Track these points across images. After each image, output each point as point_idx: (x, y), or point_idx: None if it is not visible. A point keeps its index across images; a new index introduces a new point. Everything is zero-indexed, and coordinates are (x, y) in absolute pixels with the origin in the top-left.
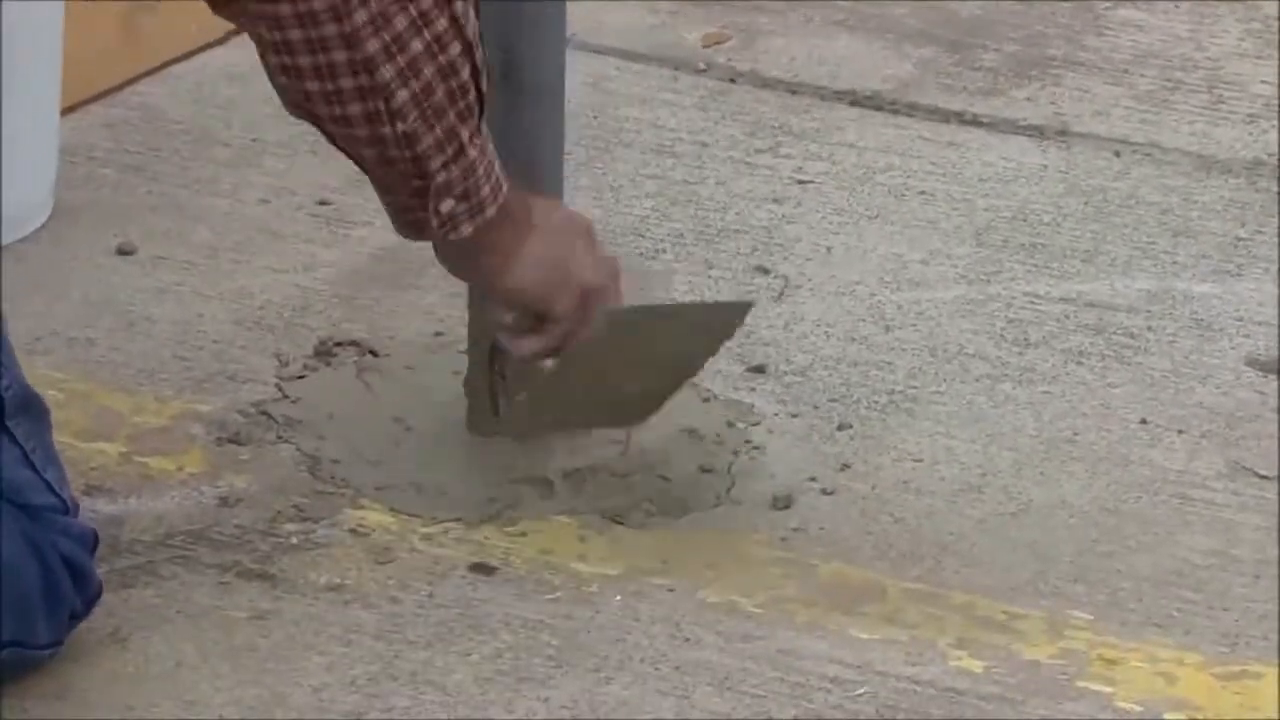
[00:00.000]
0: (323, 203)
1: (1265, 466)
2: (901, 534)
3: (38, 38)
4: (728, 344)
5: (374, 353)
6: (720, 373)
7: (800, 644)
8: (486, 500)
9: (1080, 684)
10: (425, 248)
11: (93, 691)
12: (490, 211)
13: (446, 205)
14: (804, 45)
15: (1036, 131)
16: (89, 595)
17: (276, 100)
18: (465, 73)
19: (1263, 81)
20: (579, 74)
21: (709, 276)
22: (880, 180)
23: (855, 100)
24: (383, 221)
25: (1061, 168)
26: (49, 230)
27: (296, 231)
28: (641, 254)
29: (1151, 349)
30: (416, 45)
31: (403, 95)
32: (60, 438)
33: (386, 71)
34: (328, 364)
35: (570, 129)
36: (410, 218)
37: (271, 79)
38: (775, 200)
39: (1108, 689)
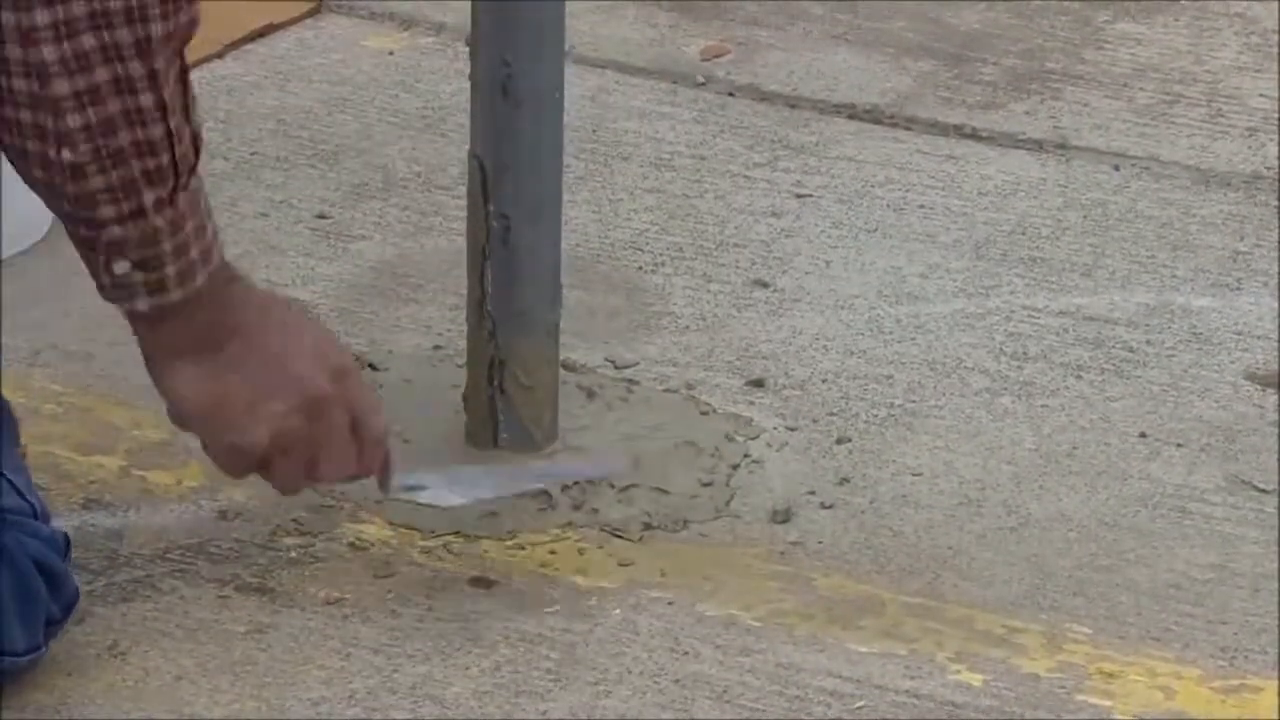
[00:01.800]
0: (321, 216)
1: (1264, 480)
2: (900, 548)
3: None
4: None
5: (373, 366)
6: (719, 386)
7: (799, 657)
8: (486, 514)
9: (1079, 697)
10: (426, 260)
11: (91, 705)
12: (174, 294)
13: (121, 266)
14: (803, 59)
15: (1035, 145)
16: (66, 600)
17: (275, 114)
18: (156, 130)
19: (1261, 95)
20: (577, 87)
21: (708, 290)
22: (879, 194)
23: (854, 114)
24: (381, 235)
25: (1060, 181)
26: (48, 244)
27: (295, 245)
28: (640, 268)
29: (1150, 363)
30: (102, 74)
31: (75, 120)
32: (59, 451)
33: (61, 86)
34: None
35: (569, 142)
36: (95, 279)
37: None
38: (774, 214)
39: (1106, 702)
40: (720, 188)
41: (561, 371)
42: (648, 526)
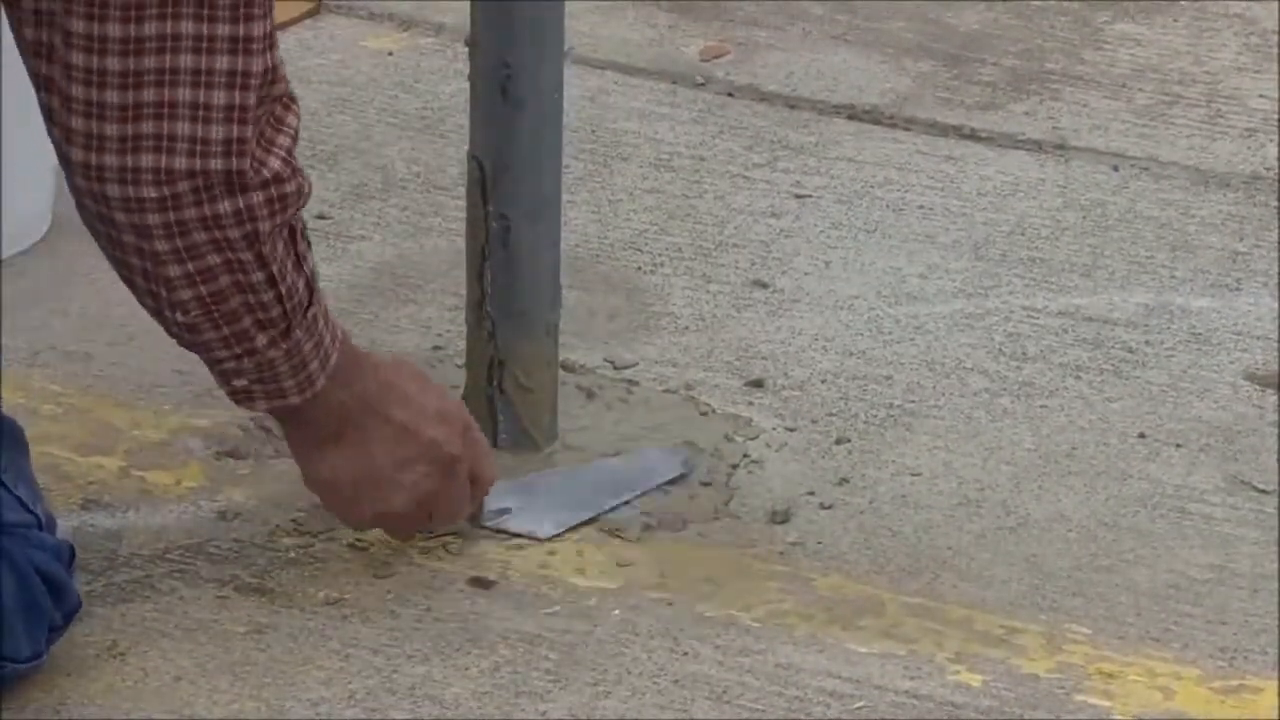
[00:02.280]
0: (321, 217)
1: (1263, 481)
2: (900, 548)
3: None
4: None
5: None
6: (718, 387)
7: (798, 658)
8: (485, 514)
9: (1078, 698)
10: (426, 261)
11: (90, 705)
12: (294, 400)
13: (240, 382)
14: (802, 59)
15: (1035, 146)
16: (68, 608)
17: None
18: (268, 294)
19: (1261, 96)
20: (577, 88)
21: (707, 291)
22: (878, 194)
23: (853, 114)
24: (381, 235)
25: (1060, 182)
26: (47, 244)
27: None
28: (640, 268)
29: (1150, 363)
30: (214, 259)
31: (187, 293)
32: (58, 452)
33: (173, 270)
34: None
35: (568, 143)
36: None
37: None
38: (773, 214)
39: (1106, 703)
40: (719, 188)
41: (561, 372)
42: (647, 527)
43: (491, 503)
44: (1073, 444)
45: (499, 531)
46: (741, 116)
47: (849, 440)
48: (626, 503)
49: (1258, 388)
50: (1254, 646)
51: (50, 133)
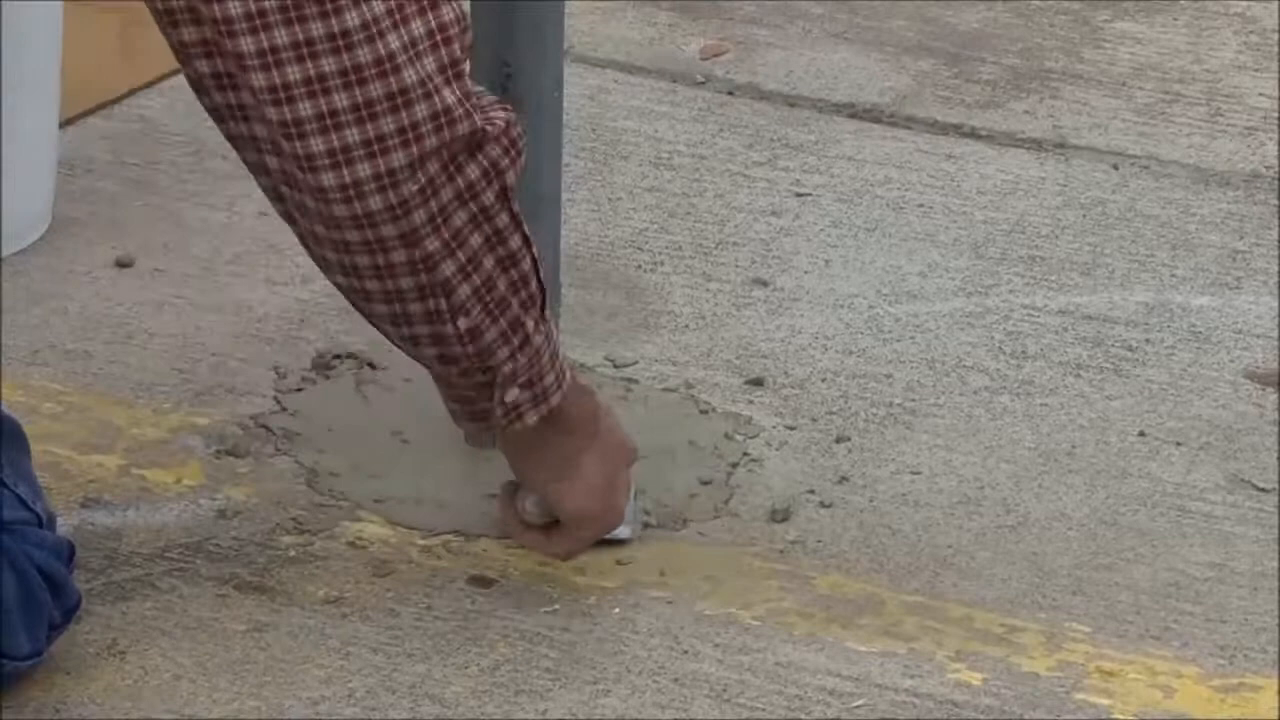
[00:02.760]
0: None
1: (1263, 479)
2: (900, 546)
3: (36, 51)
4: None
5: (372, 365)
6: (718, 385)
7: (798, 656)
8: (484, 513)
9: (1078, 696)
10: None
11: (90, 704)
12: (555, 399)
13: (512, 395)
14: (802, 58)
15: (1035, 144)
16: (68, 606)
17: None
18: (526, 263)
19: (1261, 94)
20: (577, 86)
21: (707, 289)
22: (878, 193)
23: (853, 113)
24: None
25: (1060, 180)
26: (47, 243)
27: (295, 244)
28: (640, 266)
29: (1150, 361)
30: (476, 239)
31: (464, 290)
32: (58, 450)
33: (447, 268)
34: (326, 377)
35: (568, 141)
36: (472, 409)
37: (328, 274)
38: (773, 213)
39: (1105, 701)
40: (719, 186)
41: None
42: (646, 525)
43: None
44: (1073, 442)
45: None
46: (741, 115)
47: (849, 439)
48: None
49: (1258, 386)
50: (1254, 645)
51: (280, 192)
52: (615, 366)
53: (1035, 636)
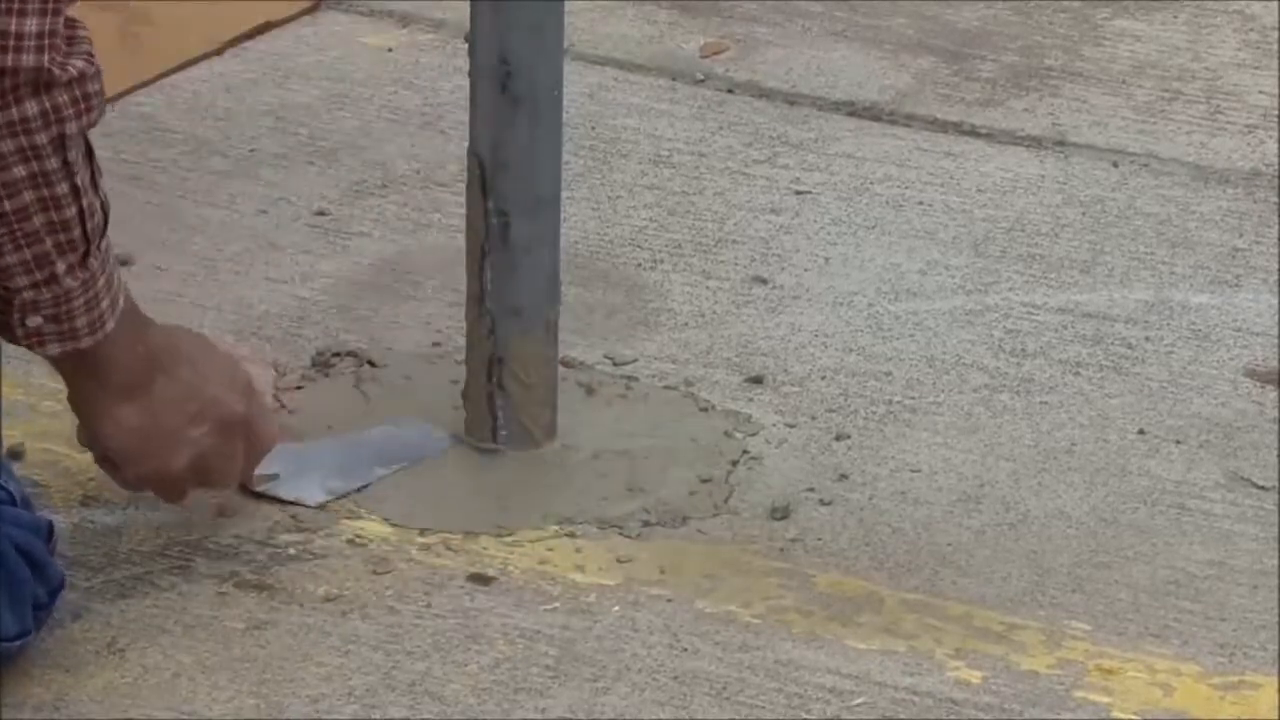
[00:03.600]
0: (320, 213)
1: (1263, 477)
2: (899, 544)
3: None
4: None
5: (372, 363)
6: (718, 383)
7: (798, 654)
8: (483, 510)
9: (1078, 694)
10: (425, 257)
11: (89, 702)
12: (84, 342)
13: (34, 321)
14: (802, 56)
15: (1034, 142)
16: (52, 585)
17: (273, 111)
18: (70, 211)
19: (1260, 92)
20: (576, 84)
21: (707, 287)
22: (878, 190)
23: (853, 110)
24: (380, 232)
25: (1059, 178)
26: None
27: (294, 242)
28: (639, 264)
29: (1149, 359)
30: (20, 171)
31: None
32: (57, 447)
33: None
34: (326, 375)
35: (568, 139)
36: (2, 319)
37: None
38: (773, 211)
39: (1105, 699)
40: (719, 184)
41: (560, 368)
42: (646, 524)
43: (262, 468)
44: (1072, 440)
45: (269, 497)
46: (741, 113)
47: (849, 436)
48: (393, 473)
49: (1257, 384)
50: (1254, 643)
51: None
52: (615, 364)
53: (1035, 635)
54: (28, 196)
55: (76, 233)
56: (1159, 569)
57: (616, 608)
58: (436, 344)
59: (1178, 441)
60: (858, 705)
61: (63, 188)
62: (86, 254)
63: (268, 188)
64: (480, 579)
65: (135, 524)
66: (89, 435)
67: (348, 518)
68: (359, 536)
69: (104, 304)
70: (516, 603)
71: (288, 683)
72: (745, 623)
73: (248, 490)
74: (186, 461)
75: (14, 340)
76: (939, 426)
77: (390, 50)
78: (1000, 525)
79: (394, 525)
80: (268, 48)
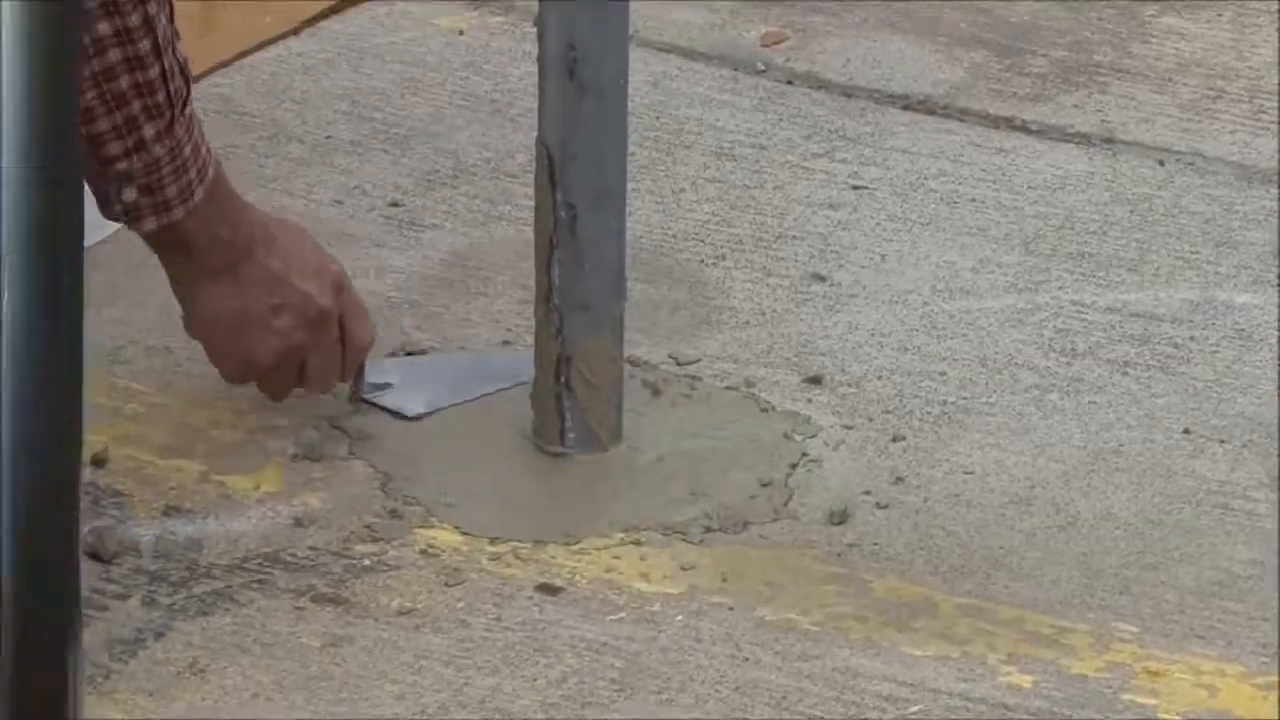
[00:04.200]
0: (394, 204)
1: None
2: (953, 548)
3: None
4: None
5: None
6: (778, 384)
7: (855, 662)
8: (552, 517)
9: (1125, 697)
10: (495, 251)
11: None
12: (176, 213)
13: (129, 194)
14: (859, 46)
15: (1083, 139)
16: None
17: (349, 95)
18: (154, 71)
19: None
20: (640, 73)
21: (767, 284)
22: (932, 186)
23: (908, 104)
24: (451, 224)
25: (1108, 176)
26: (127, 234)
27: (368, 234)
28: (702, 260)
29: (1194, 359)
30: (104, 27)
31: (82, 70)
32: (140, 454)
33: None
34: None
35: (632, 130)
36: (99, 195)
37: None
38: (831, 206)
39: (1152, 701)
40: (779, 178)
41: (625, 367)
42: (709, 529)
43: (372, 376)
44: (1120, 441)
45: (372, 405)
46: (800, 105)
47: (904, 438)
48: (496, 392)
49: None
50: None
51: None
52: (679, 364)
53: (1084, 638)
54: (114, 55)
55: (161, 96)
56: (1204, 570)
57: (680, 617)
58: (507, 342)
59: (1222, 441)
60: (913, 714)
61: (145, 45)
62: (172, 120)
63: (344, 176)
64: (548, 589)
65: (215, 535)
66: (186, 321)
67: (421, 526)
68: (431, 546)
69: (191, 173)
70: (583, 613)
71: (362, 701)
72: (805, 630)
73: (354, 399)
74: (274, 353)
75: (114, 217)
76: (991, 427)
77: (461, 34)
78: (1050, 528)
79: (465, 534)
80: (342, 28)
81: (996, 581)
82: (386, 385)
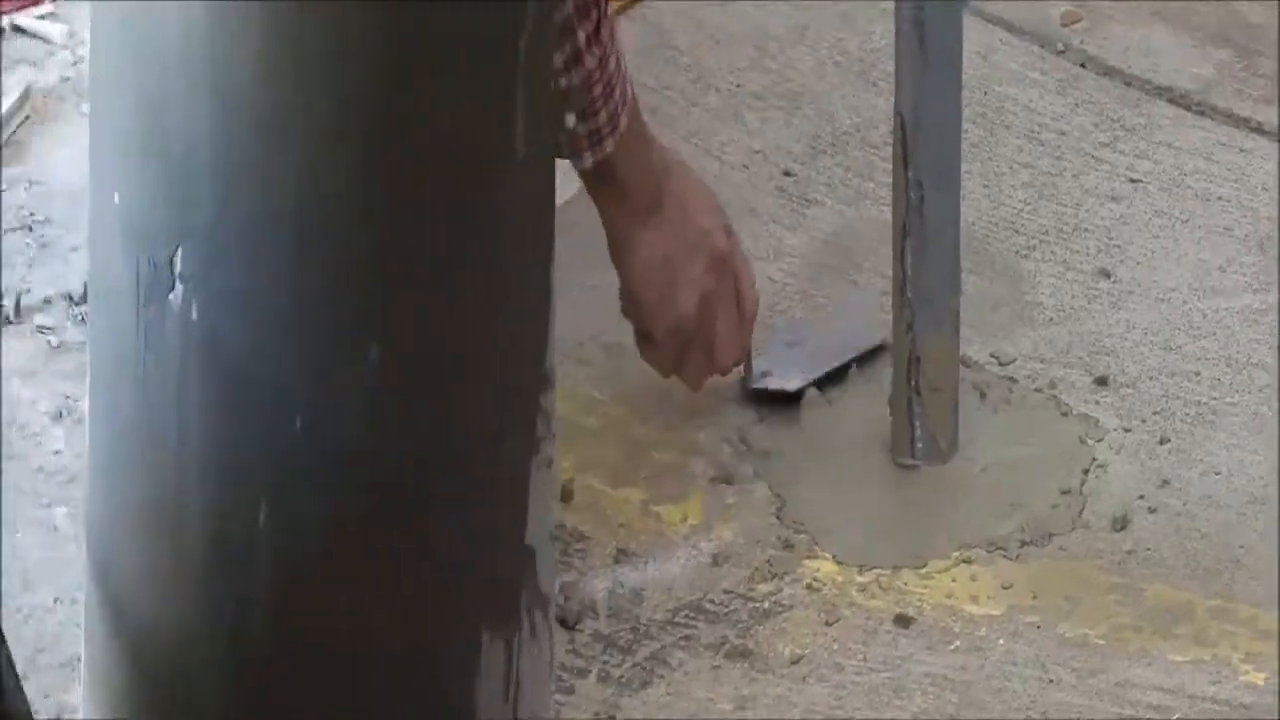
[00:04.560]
0: (787, 173)
1: None
2: (1206, 550)
3: None
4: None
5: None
6: (1074, 385)
7: (1132, 673)
8: (907, 540)
9: None
10: (865, 232)
11: None
12: (608, 144)
13: (569, 119)
14: (1135, 34)
15: None
16: None
17: (752, 40)
18: None
19: None
20: (968, 43)
21: (1065, 279)
22: (1190, 183)
23: (1171, 97)
24: (831, 200)
25: None
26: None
27: (767, 208)
28: (1018, 251)
29: None
30: None
31: None
32: (597, 484)
33: None
34: None
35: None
36: None
37: None
38: (1114, 198)
39: None
40: (1075, 166)
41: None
42: (1023, 543)
43: (758, 366)
44: None
45: (761, 390)
46: (1090, 91)
47: (1169, 440)
48: (857, 357)
49: None
50: None
51: None
52: (1000, 364)
53: None
54: None
55: None
56: None
57: (1001, 641)
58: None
59: None
60: None
61: None
62: (598, 24)
63: (748, 137)
64: (903, 620)
65: (653, 583)
66: (624, 282)
67: (807, 558)
68: (814, 581)
69: (616, 95)
70: (929, 645)
71: None
72: (1094, 645)
73: (748, 385)
74: (694, 304)
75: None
76: (1234, 427)
77: None
78: None
79: (839, 564)
80: None
81: (1238, 581)
82: (766, 373)
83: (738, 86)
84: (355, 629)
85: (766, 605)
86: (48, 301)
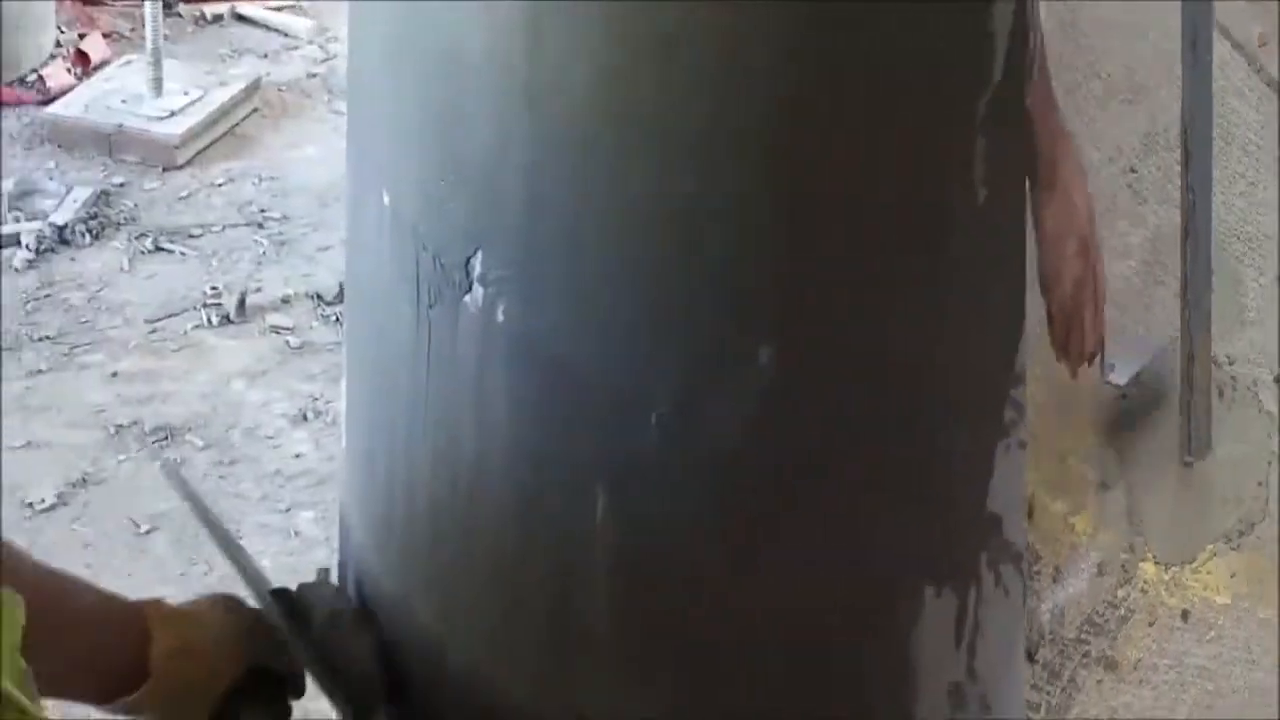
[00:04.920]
0: (1131, 170)
1: None
2: None
3: None
4: None
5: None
6: (1266, 384)
7: None
8: (1191, 534)
9: None
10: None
11: None
12: None
13: None
14: None
15: None
16: None
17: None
18: None
19: None
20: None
21: (1263, 284)
22: None
23: None
24: (1150, 206)
25: None
26: None
27: (1117, 205)
28: (1237, 258)
29: None
30: None
31: None
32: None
33: None
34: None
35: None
36: None
37: None
38: None
39: None
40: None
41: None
42: (1240, 534)
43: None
44: None
45: (1115, 386)
46: (1271, 118)
47: None
48: (1143, 368)
49: None
50: None
51: None
52: (1229, 364)
53: None
54: None
55: None
56: None
57: (1238, 633)
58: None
59: None
60: None
61: None
62: None
63: (1101, 126)
64: (1184, 615)
65: (1061, 602)
66: (1038, 225)
67: (1140, 560)
68: (1145, 585)
69: None
70: (1197, 639)
71: None
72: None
73: (1109, 379)
74: (1071, 286)
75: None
76: None
77: None
78: None
79: (1153, 563)
80: None
81: None
82: (1112, 367)
83: (1107, 76)
84: (743, 625)
85: (1122, 612)
86: (286, 301)
